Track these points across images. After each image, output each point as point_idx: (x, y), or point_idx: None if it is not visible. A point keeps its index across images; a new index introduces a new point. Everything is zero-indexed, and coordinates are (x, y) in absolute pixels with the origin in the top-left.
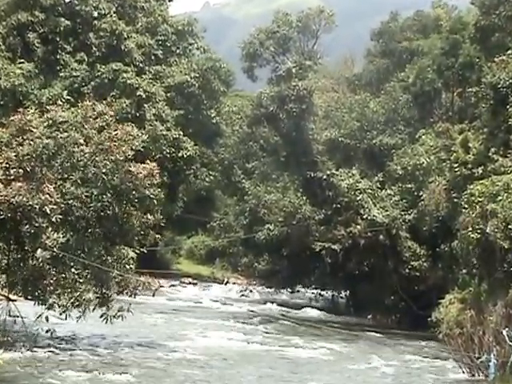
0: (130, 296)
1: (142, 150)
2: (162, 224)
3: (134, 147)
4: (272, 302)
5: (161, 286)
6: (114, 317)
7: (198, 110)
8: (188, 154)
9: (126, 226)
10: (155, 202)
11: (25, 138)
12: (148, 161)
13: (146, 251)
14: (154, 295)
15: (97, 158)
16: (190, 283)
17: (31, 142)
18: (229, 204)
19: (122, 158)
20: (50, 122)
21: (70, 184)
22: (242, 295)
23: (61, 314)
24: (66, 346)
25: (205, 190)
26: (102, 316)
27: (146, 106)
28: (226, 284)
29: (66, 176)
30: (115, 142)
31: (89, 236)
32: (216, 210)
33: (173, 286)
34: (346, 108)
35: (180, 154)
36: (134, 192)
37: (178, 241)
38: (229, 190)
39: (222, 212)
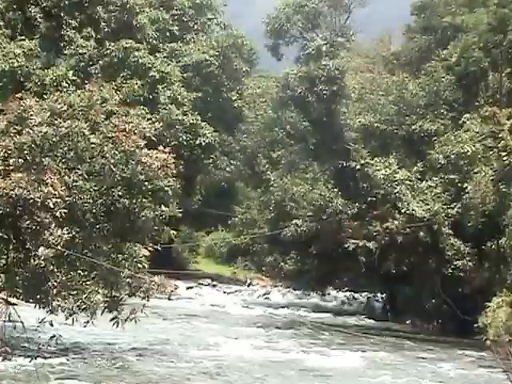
0: (143, 299)
1: (155, 136)
2: (179, 218)
3: (145, 136)
4: (300, 306)
5: (176, 288)
6: (126, 321)
7: (217, 93)
8: (207, 141)
9: (137, 221)
10: (170, 194)
11: (24, 125)
12: (162, 148)
13: (160, 249)
14: (169, 298)
15: (105, 148)
16: (208, 285)
17: (30, 131)
18: (252, 197)
19: (132, 149)
20: (51, 110)
21: (75, 176)
22: (267, 298)
23: (66, 319)
24: (71, 354)
25: (225, 181)
26: (112, 320)
27: (159, 87)
28: (248, 286)
29: (71, 167)
30: (124, 132)
31: (96, 232)
32: (238, 204)
33: (190, 288)
34: (383, 90)
35: (198, 142)
36: (146, 184)
37: (196, 238)
38: (252, 181)
39: (244, 206)
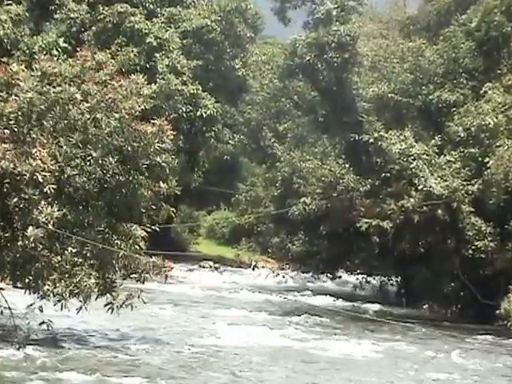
0: (138, 281)
1: (152, 107)
2: (178, 197)
3: (143, 101)
4: (308, 290)
5: (171, 269)
6: (121, 306)
7: (219, 61)
8: (208, 112)
9: (133, 198)
10: (167, 169)
11: (10, 93)
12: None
13: (158, 229)
14: (165, 281)
15: (98, 116)
16: (210, 267)
17: (17, 98)
18: (257, 173)
19: (127, 116)
20: (40, 74)
21: (66, 148)
22: (273, 282)
23: (55, 305)
24: (63, 342)
25: (228, 156)
26: (106, 305)
27: (157, 55)
28: (253, 269)
29: (61, 139)
30: (120, 95)
31: (89, 210)
32: (242, 181)
33: (190, 270)
34: (398, 57)
35: (198, 113)
36: (142, 157)
37: (197, 217)
38: (257, 156)
39: (248, 183)
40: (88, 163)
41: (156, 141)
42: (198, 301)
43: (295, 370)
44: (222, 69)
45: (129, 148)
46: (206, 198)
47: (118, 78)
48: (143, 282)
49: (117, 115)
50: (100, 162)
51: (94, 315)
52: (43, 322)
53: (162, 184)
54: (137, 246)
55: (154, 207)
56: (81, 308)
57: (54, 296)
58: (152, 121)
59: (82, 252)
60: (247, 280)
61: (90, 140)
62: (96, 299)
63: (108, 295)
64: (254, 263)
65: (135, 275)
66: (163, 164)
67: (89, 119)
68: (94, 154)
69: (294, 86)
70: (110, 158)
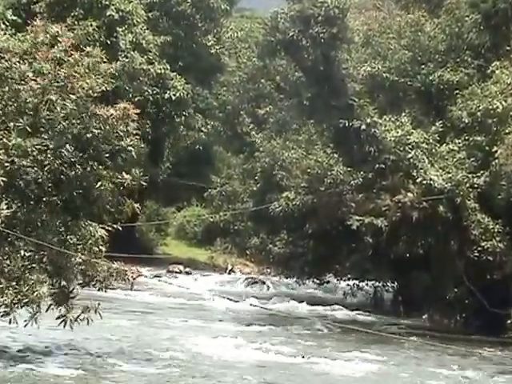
0: (100, 290)
1: (113, 89)
2: (143, 191)
3: (103, 81)
4: (292, 297)
5: (139, 275)
6: (76, 320)
7: (190, 37)
8: (177, 95)
9: (92, 192)
10: (134, 155)
11: None
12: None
13: (120, 228)
14: (131, 288)
15: (52, 97)
16: (180, 272)
17: None
18: (233, 164)
19: (86, 98)
20: None
21: (16, 134)
22: (252, 287)
23: (3, 316)
24: (9, 359)
25: (200, 145)
26: (58, 318)
27: (119, 30)
28: (229, 273)
29: (10, 124)
30: (77, 73)
31: (43, 207)
32: (216, 173)
33: (157, 276)
34: (394, 32)
35: (166, 96)
36: (102, 143)
37: (165, 214)
38: (233, 145)
39: (223, 175)
40: (41, 152)
41: (120, 127)
42: (165, 310)
43: None
44: (193, 46)
45: (88, 135)
46: (175, 192)
47: (74, 55)
48: (105, 290)
49: (73, 97)
50: (55, 150)
51: (49, 327)
52: None
53: (125, 175)
54: (97, 248)
55: (116, 203)
56: (30, 320)
57: (1, 306)
58: (115, 104)
59: (35, 256)
60: (222, 286)
61: (43, 125)
62: (46, 310)
63: (62, 307)
64: (230, 267)
65: (95, 282)
66: (129, 148)
67: (41, 101)
68: (51, 146)
69: (275, 66)
70: (67, 146)
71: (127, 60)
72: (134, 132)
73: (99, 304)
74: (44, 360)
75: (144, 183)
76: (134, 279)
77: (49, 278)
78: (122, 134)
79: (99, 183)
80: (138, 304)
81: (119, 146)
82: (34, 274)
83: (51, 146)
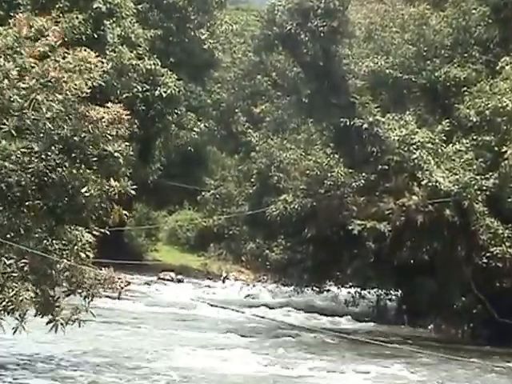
0: (86, 298)
1: (100, 86)
2: (133, 194)
3: (93, 80)
4: (290, 307)
5: (128, 284)
6: (67, 323)
7: (182, 30)
8: (168, 92)
9: (79, 197)
10: (121, 161)
11: None
12: (110, 103)
13: (108, 233)
14: (119, 297)
15: (38, 97)
16: (171, 280)
17: None
18: (228, 165)
19: (73, 99)
20: None
21: (0, 137)
22: (248, 296)
23: None
24: None
25: (193, 145)
26: (49, 323)
27: (107, 23)
28: (224, 281)
29: None
30: (65, 72)
31: (26, 211)
32: (209, 175)
33: (147, 284)
34: (397, 26)
35: (157, 93)
36: (89, 146)
37: (155, 218)
38: (228, 145)
39: (218, 177)
40: (25, 154)
41: (110, 131)
42: (154, 320)
43: None
44: (185, 40)
45: (75, 138)
46: (166, 195)
47: (61, 51)
48: (91, 299)
49: (60, 97)
50: (40, 152)
51: (29, 338)
52: None
53: (113, 182)
54: (83, 254)
55: (103, 207)
56: (16, 328)
57: None
58: (106, 105)
59: (18, 261)
60: (217, 295)
61: (28, 127)
62: (34, 316)
63: (48, 313)
64: (224, 274)
65: (82, 290)
66: (116, 154)
67: (26, 101)
68: (36, 148)
69: (272, 61)
70: (53, 148)
71: (115, 55)
72: (123, 134)
73: (87, 311)
74: (20, 374)
75: (132, 191)
76: (123, 288)
77: (32, 285)
78: (110, 138)
79: (85, 188)
80: (125, 314)
81: (107, 151)
82: (17, 281)
83: (36, 149)
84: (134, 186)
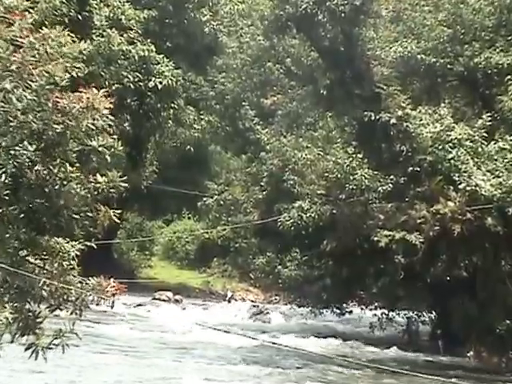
0: (72, 313)
1: (86, 75)
2: (123, 201)
3: (70, 66)
4: (307, 331)
5: (124, 291)
6: (49, 347)
7: (180, 11)
8: (164, 82)
9: (59, 200)
10: (108, 158)
11: None
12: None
13: (94, 246)
14: (112, 306)
15: (7, 86)
16: (168, 300)
17: None
18: (234, 167)
19: (48, 86)
20: None
21: None
22: (257, 319)
23: None
24: None
25: (193, 144)
26: (28, 349)
27: (93, 3)
28: (229, 301)
29: None
30: (38, 55)
31: (0, 219)
32: (212, 178)
33: (140, 305)
34: (430, 5)
35: (151, 84)
36: (70, 142)
37: (150, 229)
38: (233, 143)
39: (222, 181)
40: None
41: (87, 121)
42: (149, 348)
43: None
44: (183, 22)
45: (49, 132)
46: (162, 202)
47: (35, 34)
48: (80, 314)
49: (33, 85)
50: (9, 148)
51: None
52: None
53: (99, 177)
54: (66, 264)
55: (88, 214)
56: None
57: None
58: (79, 93)
59: None
60: (221, 317)
61: None
62: (12, 341)
63: (30, 336)
64: (229, 294)
65: (68, 304)
66: (100, 149)
67: None
68: (7, 142)
69: (285, 46)
70: (25, 143)
71: (103, 39)
72: (108, 129)
73: (74, 323)
74: None
75: (123, 188)
76: (114, 295)
77: (10, 302)
78: (89, 131)
79: (66, 187)
80: (114, 340)
81: (90, 146)
82: None
83: (4, 144)
84: (125, 184)
